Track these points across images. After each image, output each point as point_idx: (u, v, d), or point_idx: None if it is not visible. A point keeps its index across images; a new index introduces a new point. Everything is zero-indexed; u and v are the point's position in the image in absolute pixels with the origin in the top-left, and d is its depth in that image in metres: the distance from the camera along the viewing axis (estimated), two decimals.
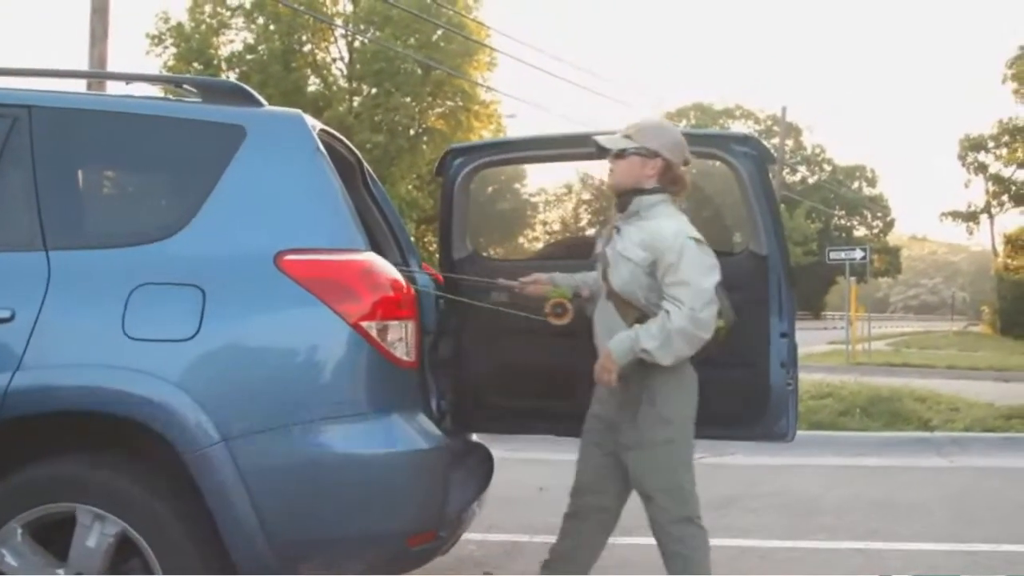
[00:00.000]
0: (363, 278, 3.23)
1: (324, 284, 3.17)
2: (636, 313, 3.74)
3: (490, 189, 48.34)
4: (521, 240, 48.40)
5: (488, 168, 4.87)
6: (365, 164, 4.51)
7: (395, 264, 4.29)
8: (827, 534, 5.97)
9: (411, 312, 3.35)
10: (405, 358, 3.29)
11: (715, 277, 3.66)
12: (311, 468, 3.12)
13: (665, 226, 3.70)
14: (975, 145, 50.32)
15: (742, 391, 4.32)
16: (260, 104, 3.54)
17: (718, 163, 4.48)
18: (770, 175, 4.36)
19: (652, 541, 3.99)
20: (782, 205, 50.25)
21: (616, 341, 3.70)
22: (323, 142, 3.57)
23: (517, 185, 53.22)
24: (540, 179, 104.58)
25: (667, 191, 3.82)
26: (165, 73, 28.94)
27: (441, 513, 3.39)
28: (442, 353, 4.61)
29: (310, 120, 3.55)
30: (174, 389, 3.07)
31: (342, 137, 4.16)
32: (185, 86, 3.80)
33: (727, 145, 4.40)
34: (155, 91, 4.45)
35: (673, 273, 3.61)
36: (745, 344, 4.25)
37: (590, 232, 54.85)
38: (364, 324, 3.16)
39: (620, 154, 3.82)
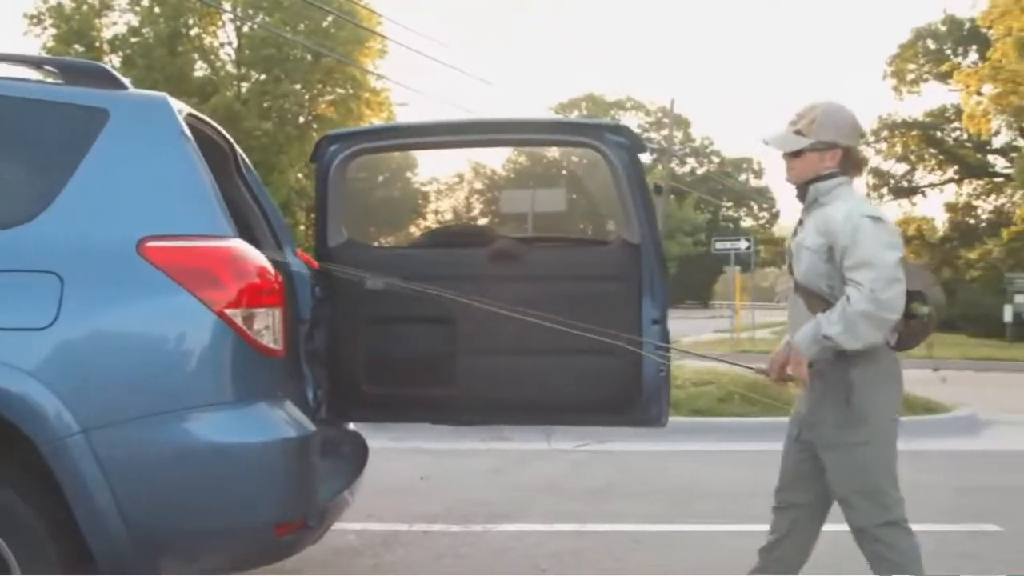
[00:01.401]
0: (228, 265, 3.17)
1: (188, 271, 3.11)
2: (823, 305, 3.54)
3: (381, 178, 48.06)
4: (413, 229, 48.15)
5: (364, 155, 4.83)
6: (239, 150, 4.44)
7: (268, 251, 4.26)
8: (703, 518, 6.08)
9: (279, 300, 3.30)
10: (272, 346, 3.25)
11: (896, 253, 3.45)
12: (174, 458, 3.06)
13: (838, 208, 3.53)
14: None
15: (615, 378, 4.38)
16: (124, 87, 3.45)
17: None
18: (642, 165, 4.41)
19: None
20: (672, 196, 51.02)
21: (800, 333, 3.51)
22: (191, 127, 3.50)
23: (409, 174, 53.02)
24: (433, 168, 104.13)
25: (845, 174, 3.65)
26: (42, 55, 28.06)
27: (310, 502, 3.35)
28: (317, 342, 4.57)
29: (176, 104, 3.47)
30: (29, 378, 2.98)
31: (213, 122, 4.08)
32: (46, 67, 3.69)
33: (600, 134, 4.44)
34: (17, 72, 4.31)
35: (850, 255, 3.42)
36: (619, 331, 4.30)
37: (482, 221, 54.95)
38: (229, 312, 3.10)
39: (796, 153, 3.66)
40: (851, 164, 3.66)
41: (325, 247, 4.66)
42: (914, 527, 5.69)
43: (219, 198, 3.33)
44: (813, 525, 3.89)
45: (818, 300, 3.54)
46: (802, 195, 3.68)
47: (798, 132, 3.65)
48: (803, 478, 3.79)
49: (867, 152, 51.35)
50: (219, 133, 4.17)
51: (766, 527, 5.75)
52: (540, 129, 4.95)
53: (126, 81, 3.50)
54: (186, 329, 3.12)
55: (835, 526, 3.81)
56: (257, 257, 3.29)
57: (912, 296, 3.48)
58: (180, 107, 3.51)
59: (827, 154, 3.60)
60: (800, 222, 3.73)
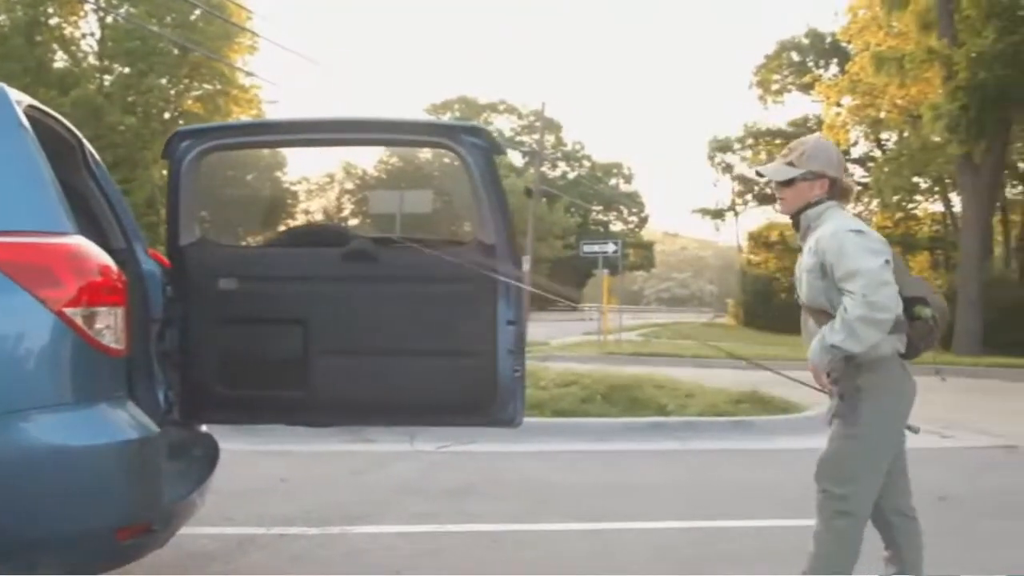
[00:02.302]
0: (68, 263, 3.09)
1: (25, 268, 3.02)
2: (828, 319, 3.73)
3: (249, 176, 47.30)
4: (281, 228, 47.47)
5: (218, 152, 4.75)
6: (87, 145, 4.31)
7: (119, 249, 4.16)
8: (560, 517, 6.14)
9: (121, 299, 3.22)
10: (115, 346, 3.17)
11: (880, 258, 3.64)
12: (11, 461, 2.96)
13: (826, 228, 3.75)
14: (722, 146, 53.08)
15: (470, 378, 4.39)
16: None
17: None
18: (497, 166, 4.44)
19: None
20: (543, 199, 51.44)
21: (811, 347, 3.74)
22: (32, 119, 3.40)
23: (278, 173, 52.28)
24: (304, 168, 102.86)
25: (831, 199, 3.88)
26: None
27: (155, 505, 3.29)
28: (169, 342, 4.48)
29: (14, 94, 3.36)
30: None
31: (57, 115, 3.95)
32: None
33: (456, 135, 4.45)
34: None
35: (839, 268, 3.63)
36: (473, 332, 4.33)
37: (352, 221, 54.48)
38: (69, 311, 3.02)
39: (788, 183, 3.88)
40: (838, 193, 3.91)
41: (176, 245, 4.56)
42: (769, 522, 5.89)
43: (59, 193, 3.24)
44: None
45: (823, 315, 3.77)
46: (796, 225, 3.94)
47: (790, 164, 3.90)
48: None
49: (732, 159, 52.85)
50: (64, 127, 4.05)
51: (622, 525, 5.92)
52: (397, 129, 4.94)
53: None
54: (23, 328, 3.03)
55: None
56: (98, 255, 3.21)
57: (915, 301, 3.76)
58: (19, 98, 3.41)
59: (816, 183, 3.86)
60: (800, 249, 3.94)
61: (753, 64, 49.76)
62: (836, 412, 3.81)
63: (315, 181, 60.82)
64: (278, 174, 52.41)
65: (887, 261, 3.67)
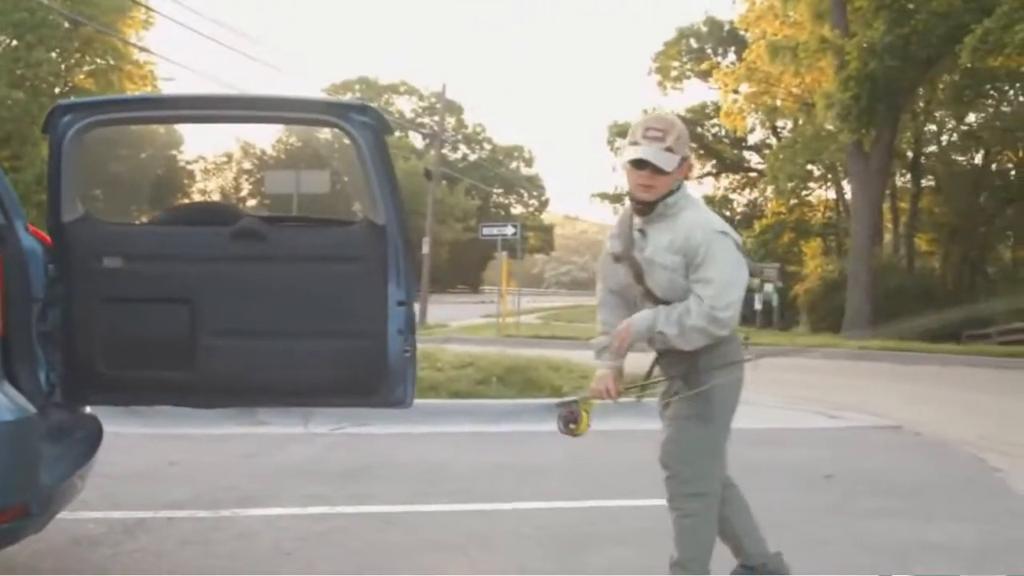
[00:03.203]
0: None
1: None
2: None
3: (143, 155, 46.29)
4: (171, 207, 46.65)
5: (100, 127, 4.62)
6: None
7: None
8: (451, 497, 6.17)
9: None
10: None
11: (741, 271, 3.65)
12: None
13: (693, 221, 3.66)
14: (621, 132, 53.38)
15: (360, 360, 4.37)
16: None
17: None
18: (388, 146, 4.41)
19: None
20: (444, 182, 51.32)
21: (639, 318, 3.70)
22: None
23: (173, 151, 51.28)
24: (199, 146, 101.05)
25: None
26: None
27: (32, 488, 3.22)
28: (51, 322, 4.37)
29: None
30: None
31: None
32: None
33: (346, 114, 4.41)
34: None
35: (701, 269, 3.59)
36: (362, 313, 4.31)
37: (247, 202, 53.71)
38: None
39: (661, 169, 3.65)
40: (687, 172, 3.85)
41: (58, 222, 4.44)
42: (661, 502, 6.01)
43: None
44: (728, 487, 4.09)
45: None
46: (647, 210, 3.74)
47: (669, 149, 3.66)
48: None
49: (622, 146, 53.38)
50: None
51: (510, 505, 5.97)
52: (287, 107, 4.88)
53: None
54: None
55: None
56: None
57: None
58: None
59: (684, 167, 3.75)
60: (641, 232, 3.79)
61: (652, 50, 50.09)
62: (676, 391, 3.81)
63: (212, 160, 59.89)
64: (174, 152, 51.43)
65: (745, 265, 3.71)
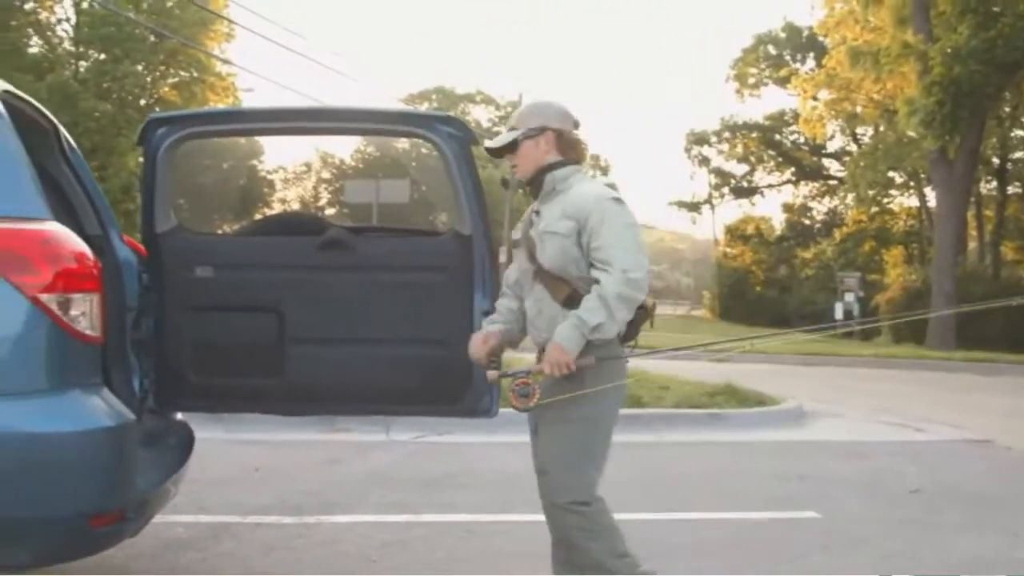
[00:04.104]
0: (43, 249, 3.08)
1: None
2: (567, 289, 3.59)
3: (226, 165, 47.01)
4: (257, 217, 47.21)
5: (193, 139, 4.73)
6: (62, 131, 4.29)
7: (94, 236, 4.14)
8: (533, 507, 6.10)
9: (96, 285, 3.22)
10: (89, 333, 3.17)
11: (639, 234, 3.59)
12: None
13: (586, 190, 3.62)
14: (700, 139, 53.18)
15: (445, 369, 4.39)
16: None
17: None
18: (473, 156, 4.45)
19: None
20: (521, 191, 51.33)
21: (562, 333, 3.49)
22: (8, 105, 3.38)
23: (254, 161, 52.00)
24: (281, 156, 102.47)
25: (574, 162, 3.75)
26: None
27: (128, 493, 3.29)
28: (144, 330, 4.47)
29: None
30: None
31: (33, 101, 3.93)
32: None
33: (432, 125, 4.45)
34: None
35: (598, 237, 3.49)
36: (448, 323, 4.33)
37: (326, 211, 54.32)
38: (44, 297, 3.02)
39: (513, 147, 3.74)
40: (567, 146, 3.76)
41: (151, 232, 4.54)
42: (741, 515, 5.94)
43: (35, 179, 3.24)
44: None
45: (563, 285, 3.62)
46: (536, 188, 3.76)
47: (512, 129, 3.78)
48: None
49: (709, 152, 53.02)
50: (40, 112, 4.02)
51: None
52: (374, 118, 4.93)
53: None
54: None
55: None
56: (74, 241, 3.20)
57: None
58: None
59: (540, 139, 3.72)
60: (537, 212, 3.77)
61: (730, 57, 49.82)
62: (553, 393, 3.61)
63: (292, 170, 60.64)
64: (255, 162, 52.17)
65: (639, 232, 3.63)
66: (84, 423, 3.09)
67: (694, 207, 55.27)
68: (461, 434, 8.42)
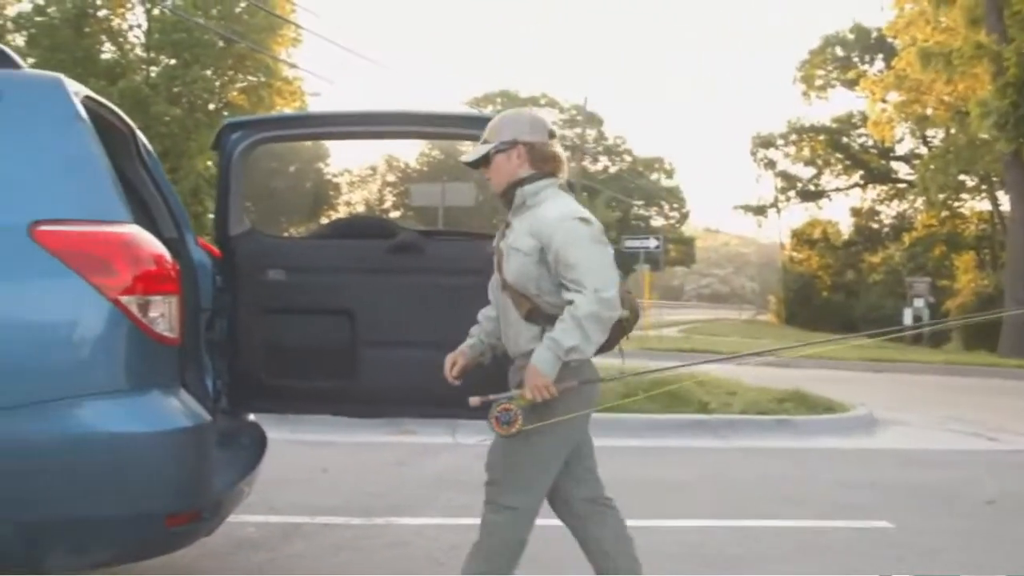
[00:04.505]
0: (123, 251, 3.13)
1: (81, 256, 3.06)
2: (529, 304, 3.58)
3: (292, 168, 47.57)
4: (323, 220, 47.71)
5: (267, 143, 4.79)
6: (139, 134, 4.36)
7: (170, 238, 4.20)
8: None
9: (175, 287, 3.26)
10: (168, 334, 3.21)
11: (609, 252, 3.54)
12: (63, 447, 3.02)
13: (550, 209, 3.56)
14: (766, 142, 52.69)
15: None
16: (17, 66, 3.38)
17: None
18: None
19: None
20: (584, 194, 51.34)
21: (538, 357, 3.45)
22: (89, 110, 3.44)
23: (320, 165, 52.52)
24: (346, 160, 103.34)
25: (548, 175, 3.67)
26: None
27: (204, 493, 3.32)
28: (218, 331, 4.53)
29: (72, 85, 3.41)
30: None
31: (112, 106, 4.00)
32: None
33: None
34: None
35: (566, 257, 3.45)
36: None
37: (391, 214, 54.63)
38: (124, 299, 3.07)
39: (486, 161, 3.71)
40: (541, 160, 3.68)
41: (225, 235, 4.61)
42: (809, 523, 5.85)
43: (115, 182, 3.29)
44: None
45: (523, 300, 3.59)
46: (508, 201, 3.71)
47: (485, 142, 3.73)
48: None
49: (775, 155, 52.51)
50: (119, 117, 4.10)
51: (656, 522, 5.90)
52: (444, 123, 4.95)
53: (20, 60, 3.42)
54: (79, 315, 3.08)
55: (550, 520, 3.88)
56: (153, 244, 3.25)
57: None
58: (76, 89, 3.45)
59: (512, 153, 3.65)
60: (508, 225, 3.73)
61: (797, 59, 49.28)
62: (532, 420, 3.54)
63: (357, 173, 61.15)
64: (320, 166, 52.68)
65: (609, 249, 3.56)
66: (163, 423, 3.13)
67: (760, 211, 54.70)
68: None
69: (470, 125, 4.95)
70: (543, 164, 3.67)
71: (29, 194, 3.15)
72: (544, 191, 3.63)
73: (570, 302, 3.42)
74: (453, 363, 3.86)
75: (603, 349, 3.64)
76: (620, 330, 3.65)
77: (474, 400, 3.67)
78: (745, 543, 5.54)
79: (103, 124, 3.67)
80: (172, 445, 3.15)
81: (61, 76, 3.41)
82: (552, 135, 3.74)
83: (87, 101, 3.51)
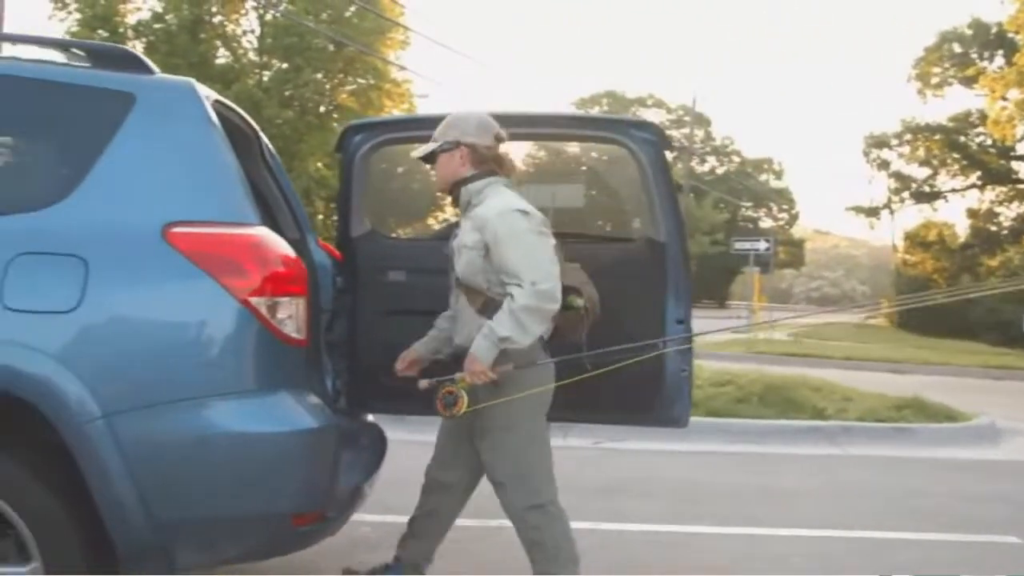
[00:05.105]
0: (253, 253, 3.17)
1: (212, 258, 3.10)
2: (482, 298, 3.74)
3: (400, 169, 48.06)
4: (431, 221, 48.08)
5: (388, 145, 4.81)
6: (263, 137, 4.42)
7: (292, 240, 4.25)
8: (712, 519, 6.05)
9: (302, 289, 3.30)
10: (295, 335, 3.24)
11: (548, 244, 3.66)
12: (195, 445, 3.06)
13: (491, 205, 3.70)
14: (879, 142, 51.52)
15: (637, 377, 4.33)
16: (151, 71, 3.45)
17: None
18: (669, 162, 4.38)
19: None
20: (691, 194, 50.92)
21: (476, 344, 3.64)
22: (217, 113, 3.49)
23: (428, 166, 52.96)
24: None
25: (492, 174, 3.82)
26: (67, 38, 28.06)
27: (329, 493, 3.35)
28: (337, 332, 4.56)
29: (202, 89, 3.46)
30: (53, 362, 2.98)
31: (238, 109, 4.07)
32: (73, 50, 3.68)
33: (626, 131, 4.41)
34: (46, 55, 4.30)
35: (504, 251, 3.59)
36: (642, 330, 4.27)
37: None
38: (253, 300, 3.10)
39: (431, 158, 3.87)
40: (482, 161, 3.80)
41: (347, 236, 4.65)
42: (932, 536, 5.69)
43: (245, 185, 3.33)
44: (447, 512, 4.30)
45: (477, 294, 3.74)
46: (455, 201, 3.87)
47: (434, 140, 3.88)
48: (455, 459, 4.12)
49: (888, 156, 51.35)
50: (244, 120, 4.16)
51: (774, 530, 5.79)
52: (566, 124, 4.93)
53: (153, 66, 3.49)
54: (210, 316, 3.12)
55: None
56: (282, 245, 3.29)
57: (568, 290, 3.70)
58: (207, 93, 3.51)
59: (455, 153, 3.80)
60: (458, 223, 3.87)
61: (912, 56, 48.04)
62: (478, 401, 3.71)
63: None
64: (428, 167, 53.14)
65: (553, 246, 3.64)
66: (291, 424, 3.16)
67: (872, 212, 53.47)
68: (638, 441, 8.35)
69: (596, 127, 4.93)
70: (485, 165, 3.81)
71: (162, 196, 3.21)
72: (487, 188, 3.79)
73: (510, 295, 3.55)
74: (403, 360, 4.09)
75: (565, 337, 3.84)
76: (577, 319, 3.83)
77: (423, 383, 3.83)
78: (867, 554, 5.40)
79: (230, 127, 3.72)
80: (300, 445, 3.17)
81: (192, 80, 3.47)
82: (500, 139, 3.86)
83: (216, 105, 3.57)
